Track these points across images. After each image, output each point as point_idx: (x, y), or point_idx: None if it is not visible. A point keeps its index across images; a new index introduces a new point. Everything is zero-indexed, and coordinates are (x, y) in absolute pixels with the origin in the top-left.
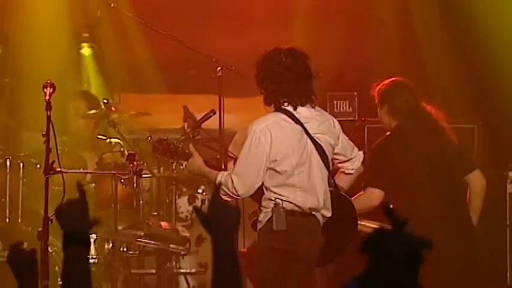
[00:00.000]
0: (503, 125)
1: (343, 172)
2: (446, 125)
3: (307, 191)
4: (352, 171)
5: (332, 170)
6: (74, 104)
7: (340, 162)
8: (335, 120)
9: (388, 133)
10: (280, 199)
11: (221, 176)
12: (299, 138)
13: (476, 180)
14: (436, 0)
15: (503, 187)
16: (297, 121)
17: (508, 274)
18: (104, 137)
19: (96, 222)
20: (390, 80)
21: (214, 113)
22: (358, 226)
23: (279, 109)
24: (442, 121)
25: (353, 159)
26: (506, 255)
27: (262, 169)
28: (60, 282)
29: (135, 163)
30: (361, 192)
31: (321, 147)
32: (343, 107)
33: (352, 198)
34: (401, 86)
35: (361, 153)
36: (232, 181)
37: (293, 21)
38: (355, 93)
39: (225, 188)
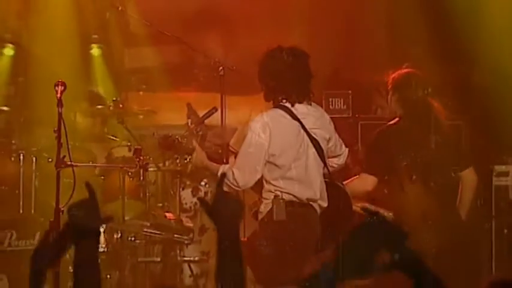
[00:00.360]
0: (489, 121)
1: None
2: (446, 122)
3: (304, 183)
4: (335, 166)
5: None
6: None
7: (328, 157)
8: (329, 117)
9: (391, 122)
10: (280, 191)
11: (223, 169)
12: (296, 134)
13: (470, 176)
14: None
15: (489, 180)
16: (295, 117)
17: (493, 264)
18: (115, 138)
19: (108, 220)
20: (405, 70)
21: (216, 110)
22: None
23: (277, 105)
24: (444, 118)
25: (340, 156)
26: (491, 245)
27: (262, 163)
28: (71, 270)
29: (141, 157)
30: (356, 176)
31: (317, 141)
32: (338, 105)
33: (347, 181)
34: (413, 77)
35: (347, 150)
36: (233, 173)
37: (290, 23)
38: (350, 91)
39: (226, 180)
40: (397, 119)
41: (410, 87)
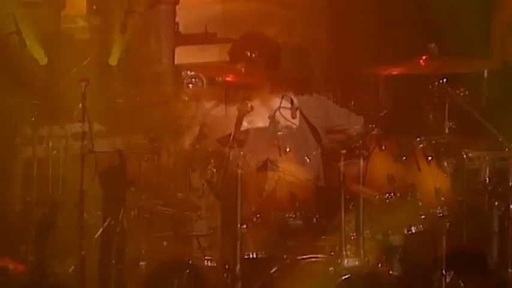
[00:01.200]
0: None
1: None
2: (429, 113)
3: (304, 165)
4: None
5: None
6: None
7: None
8: (329, 104)
9: (381, 114)
10: (283, 172)
11: (233, 152)
12: (298, 122)
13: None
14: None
15: (461, 163)
16: (297, 108)
17: (464, 236)
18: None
19: (132, 183)
20: (392, 68)
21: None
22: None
23: (281, 97)
24: (427, 111)
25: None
26: (461, 222)
27: (269, 147)
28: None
29: (155, 144)
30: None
31: (316, 129)
32: (329, 98)
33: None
34: (399, 75)
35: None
36: (245, 156)
37: (285, 24)
38: (340, 86)
39: (238, 162)
40: (385, 112)
41: (393, 85)
